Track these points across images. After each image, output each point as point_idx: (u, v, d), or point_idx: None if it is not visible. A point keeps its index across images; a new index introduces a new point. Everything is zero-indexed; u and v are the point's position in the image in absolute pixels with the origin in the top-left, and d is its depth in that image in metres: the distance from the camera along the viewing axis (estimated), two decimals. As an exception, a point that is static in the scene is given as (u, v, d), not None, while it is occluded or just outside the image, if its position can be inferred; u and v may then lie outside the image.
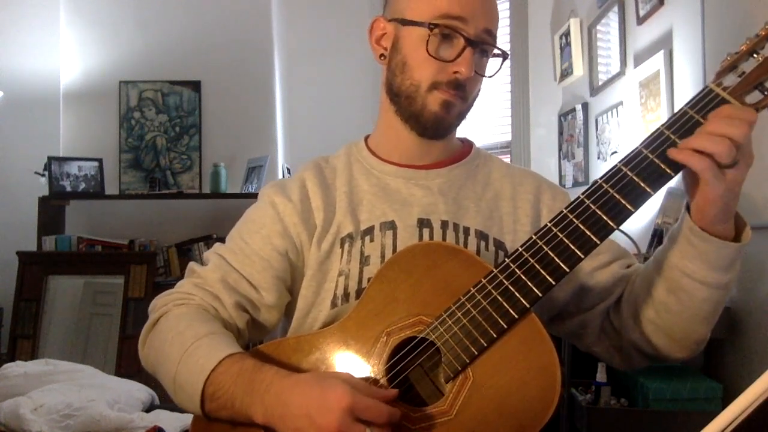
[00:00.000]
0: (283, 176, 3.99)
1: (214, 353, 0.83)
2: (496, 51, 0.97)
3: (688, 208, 0.82)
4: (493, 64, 0.98)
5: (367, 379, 0.82)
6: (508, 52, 0.98)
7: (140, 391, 2.36)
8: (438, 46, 0.92)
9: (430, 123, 0.96)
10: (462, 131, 1.11)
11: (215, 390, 0.82)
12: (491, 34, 0.94)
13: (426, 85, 0.94)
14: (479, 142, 1.11)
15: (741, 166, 0.76)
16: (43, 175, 3.80)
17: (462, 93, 0.94)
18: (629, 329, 0.92)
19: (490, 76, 0.98)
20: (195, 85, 3.98)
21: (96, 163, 3.85)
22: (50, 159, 3.77)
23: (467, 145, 1.07)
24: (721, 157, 0.74)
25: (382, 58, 0.99)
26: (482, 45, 0.94)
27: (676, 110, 0.81)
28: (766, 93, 0.78)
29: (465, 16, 0.91)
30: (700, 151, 0.75)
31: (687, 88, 2.14)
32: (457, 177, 1.01)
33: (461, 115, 0.98)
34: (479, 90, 0.99)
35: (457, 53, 0.92)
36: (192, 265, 1.00)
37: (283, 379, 0.79)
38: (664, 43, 2.31)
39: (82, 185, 3.81)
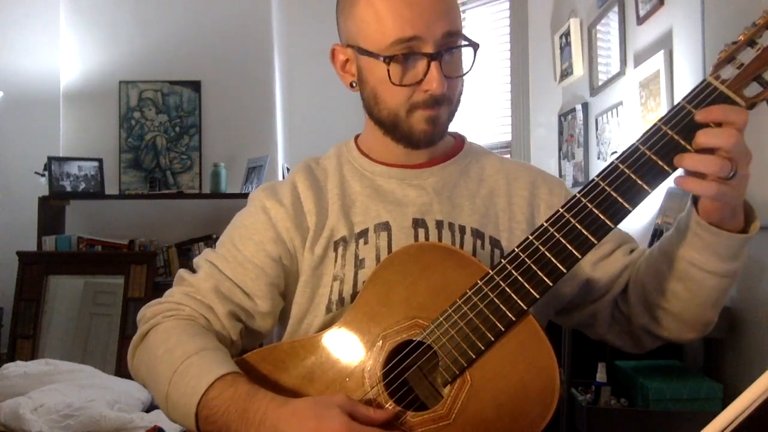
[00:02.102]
0: (283, 176, 3.98)
1: (206, 375, 0.81)
2: (465, 43, 0.92)
3: (693, 200, 0.82)
4: (468, 52, 0.94)
5: (363, 383, 0.82)
6: (478, 43, 0.92)
7: (140, 391, 2.36)
8: (402, 73, 0.88)
9: (422, 140, 0.94)
10: (462, 131, 1.10)
11: (209, 414, 0.80)
12: (453, 33, 0.89)
13: (404, 111, 0.91)
14: (479, 143, 1.09)
15: (741, 169, 0.75)
16: (43, 175, 3.80)
17: (444, 101, 0.91)
18: (639, 315, 0.92)
19: (466, 73, 0.94)
20: (195, 85, 3.98)
21: (96, 163, 3.84)
22: (50, 159, 3.77)
23: (459, 141, 1.05)
24: (720, 174, 0.74)
25: (353, 86, 0.97)
26: (447, 50, 0.89)
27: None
28: (765, 85, 0.77)
29: (418, 34, 0.86)
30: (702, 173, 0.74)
31: (687, 87, 2.12)
32: (451, 175, 1.00)
33: (450, 118, 0.96)
34: (462, 86, 0.96)
35: (423, 73, 0.87)
36: (182, 272, 0.97)
37: (278, 408, 0.78)
38: (664, 43, 2.30)
39: (82, 185, 3.80)
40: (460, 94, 0.96)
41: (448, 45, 0.89)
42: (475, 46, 0.92)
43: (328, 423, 0.73)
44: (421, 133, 0.93)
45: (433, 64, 0.87)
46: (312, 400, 0.80)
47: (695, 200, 0.82)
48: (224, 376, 0.81)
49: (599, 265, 0.95)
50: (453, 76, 0.91)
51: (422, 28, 0.86)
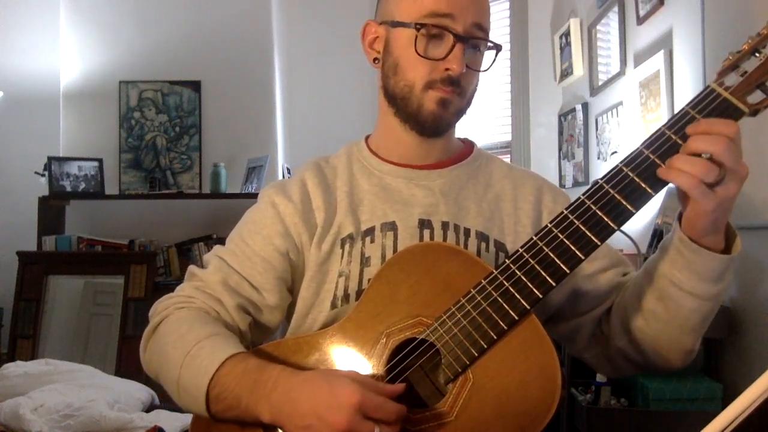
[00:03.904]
0: (283, 176, 3.99)
1: (217, 354, 0.83)
2: (489, 44, 0.96)
3: (680, 218, 0.82)
4: (488, 58, 0.98)
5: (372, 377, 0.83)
6: (501, 45, 0.97)
7: (140, 391, 2.36)
8: (427, 45, 0.92)
9: (429, 122, 0.95)
10: (462, 131, 1.10)
11: (220, 391, 0.81)
12: (482, 28, 0.93)
13: (420, 85, 0.93)
14: (479, 142, 1.10)
15: (729, 182, 0.75)
16: (43, 175, 3.80)
17: (458, 89, 0.93)
18: (617, 336, 0.92)
19: (485, 70, 0.97)
20: (195, 85, 3.98)
21: (96, 163, 3.84)
22: (50, 159, 3.77)
23: (468, 146, 1.07)
24: (703, 176, 0.73)
25: (376, 62, 0.99)
26: (472, 40, 0.93)
27: (676, 110, 0.80)
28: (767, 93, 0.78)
29: (452, 12, 0.90)
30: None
31: (687, 88, 2.14)
32: (459, 177, 1.01)
33: (460, 112, 0.98)
34: (476, 85, 0.99)
35: (447, 51, 0.91)
36: (192, 268, 0.99)
37: (290, 377, 0.79)
38: (664, 43, 2.31)
39: (82, 185, 3.80)
40: (473, 93, 0.99)
41: (475, 35, 0.92)
42: (498, 48, 0.96)
43: (340, 389, 0.75)
44: (429, 114, 0.94)
45: (458, 46, 0.91)
46: (322, 370, 0.82)
47: (680, 216, 0.82)
48: (235, 355, 0.83)
49: (591, 279, 0.95)
50: (472, 68, 0.94)
51: (458, 9, 0.91)
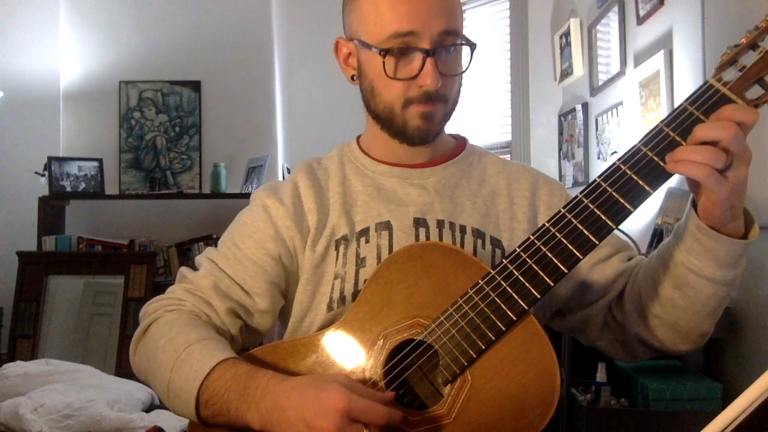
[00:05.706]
0: (283, 176, 3.99)
1: (207, 359, 0.82)
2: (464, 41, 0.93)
3: (693, 204, 0.82)
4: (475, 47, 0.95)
5: (365, 382, 0.82)
6: (475, 43, 0.94)
7: (140, 391, 2.35)
8: (397, 66, 0.90)
9: (416, 136, 0.94)
10: (462, 131, 1.10)
11: (210, 397, 0.81)
12: (451, 32, 0.89)
13: (399, 104, 0.92)
14: (479, 142, 1.10)
15: (738, 166, 0.75)
16: (43, 175, 3.80)
17: (439, 99, 0.92)
18: (633, 323, 0.92)
19: (462, 72, 0.95)
20: (195, 85, 3.98)
21: (96, 163, 3.84)
22: (50, 159, 3.77)
23: (461, 142, 1.06)
24: (712, 163, 0.73)
25: (354, 79, 0.98)
26: (443, 48, 0.90)
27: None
28: (767, 88, 0.76)
29: (415, 29, 0.87)
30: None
31: (687, 87, 2.14)
32: (452, 175, 1.00)
33: (446, 117, 0.96)
34: (460, 86, 0.96)
35: (418, 68, 0.89)
36: (183, 270, 0.98)
37: (279, 383, 0.79)
38: (664, 43, 2.30)
39: (82, 185, 3.80)
40: (458, 93, 0.97)
41: (445, 43, 0.90)
42: (472, 46, 0.93)
43: (328, 394, 0.74)
44: (414, 129, 0.93)
45: (428, 60, 0.88)
46: (311, 375, 0.81)
47: (695, 205, 0.81)
48: (225, 360, 0.82)
49: (595, 268, 0.95)
50: (449, 75, 0.92)
51: (419, 23, 0.87)
